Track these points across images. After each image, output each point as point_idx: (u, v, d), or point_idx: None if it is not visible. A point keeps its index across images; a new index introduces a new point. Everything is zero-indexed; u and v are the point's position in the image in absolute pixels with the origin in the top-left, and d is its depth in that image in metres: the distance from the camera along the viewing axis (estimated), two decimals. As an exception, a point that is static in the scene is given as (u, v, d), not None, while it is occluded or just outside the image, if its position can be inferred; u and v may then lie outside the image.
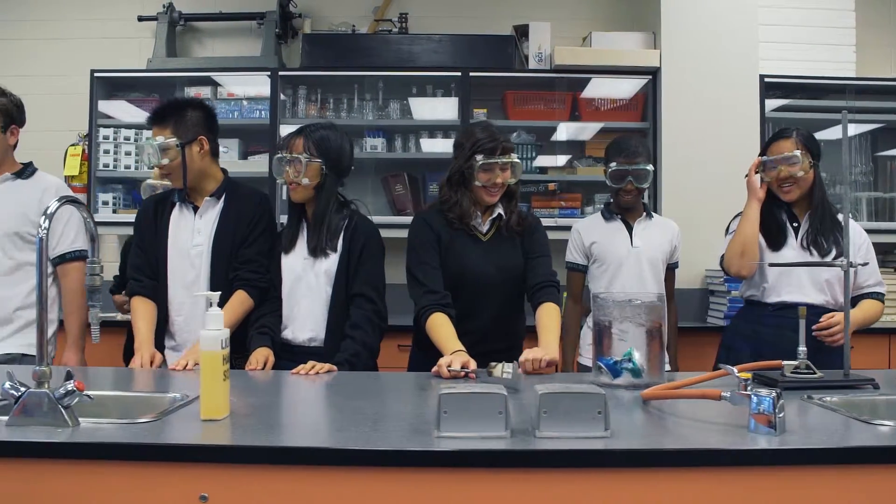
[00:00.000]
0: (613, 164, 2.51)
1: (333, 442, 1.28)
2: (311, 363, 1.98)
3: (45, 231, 1.38)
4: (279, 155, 2.20)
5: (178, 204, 2.30)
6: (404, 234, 2.31)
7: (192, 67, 3.79)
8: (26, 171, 2.46)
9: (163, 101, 2.34)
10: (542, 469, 1.24)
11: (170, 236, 2.27)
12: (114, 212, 3.73)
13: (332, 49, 3.70)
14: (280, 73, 3.67)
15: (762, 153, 2.37)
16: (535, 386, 1.34)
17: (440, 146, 3.70)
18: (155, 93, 3.84)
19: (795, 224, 2.31)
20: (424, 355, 2.20)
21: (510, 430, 1.29)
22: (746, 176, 2.36)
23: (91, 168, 3.72)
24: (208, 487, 1.22)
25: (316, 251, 2.15)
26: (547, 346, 1.97)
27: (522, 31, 3.72)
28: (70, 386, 1.34)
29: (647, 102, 3.66)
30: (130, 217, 3.61)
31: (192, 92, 3.72)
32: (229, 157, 3.78)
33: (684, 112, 3.51)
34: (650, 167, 2.51)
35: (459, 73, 3.62)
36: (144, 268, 2.28)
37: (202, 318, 2.17)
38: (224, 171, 2.36)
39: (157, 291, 2.26)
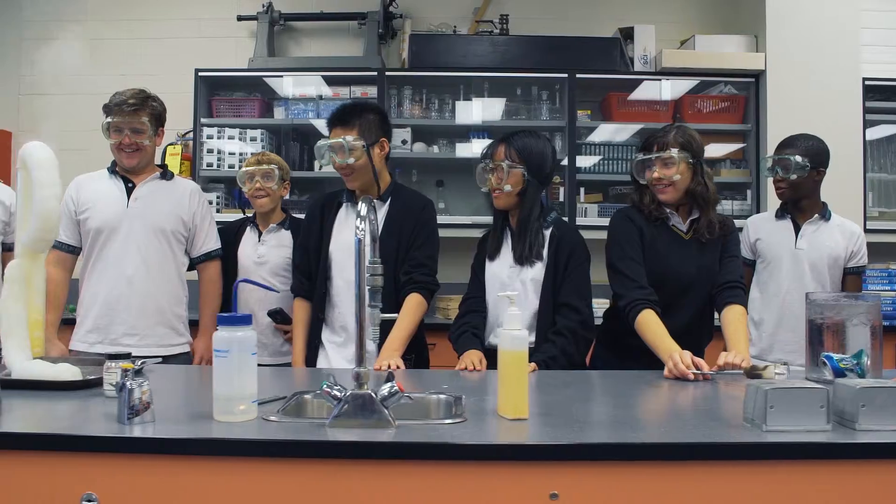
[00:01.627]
0: (767, 157, 2.54)
1: (673, 436, 1.31)
2: None
3: (370, 235, 1.40)
4: (482, 164, 2.24)
5: (345, 204, 2.35)
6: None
7: (297, 67, 3.79)
8: (167, 173, 2.54)
9: (345, 104, 2.39)
10: (867, 460, 1.28)
11: (334, 235, 2.33)
12: (217, 211, 3.72)
13: (437, 50, 3.72)
14: (387, 73, 3.68)
15: None
16: (844, 382, 1.39)
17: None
18: (257, 92, 3.84)
19: None
20: (609, 351, 2.26)
21: (831, 424, 1.33)
22: None
23: (195, 167, 3.71)
24: (559, 485, 1.24)
25: (522, 259, 2.17)
26: (741, 353, 1.96)
27: (626, 34, 3.76)
28: (391, 388, 1.36)
29: (749, 104, 3.72)
30: (233, 216, 3.63)
31: (297, 92, 3.73)
32: (333, 157, 3.79)
33: (789, 114, 3.55)
34: (798, 158, 2.46)
35: (566, 75, 3.66)
36: (304, 267, 2.38)
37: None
38: (391, 174, 2.40)
39: (317, 290, 2.32)
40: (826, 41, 3.60)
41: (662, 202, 2.16)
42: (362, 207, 1.42)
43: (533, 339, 2.15)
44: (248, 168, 2.69)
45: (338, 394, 1.36)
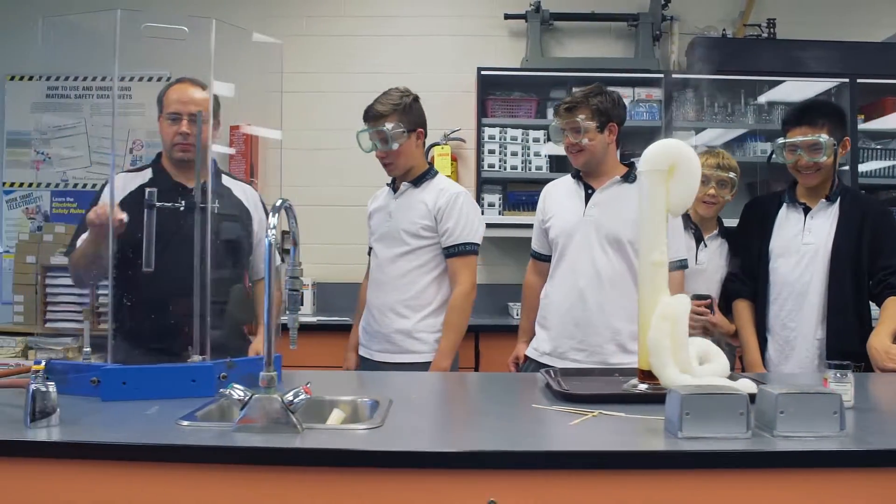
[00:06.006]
0: None
1: None
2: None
3: None
4: None
5: (786, 203, 2.38)
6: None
7: (572, 67, 3.73)
8: (631, 173, 2.38)
9: (810, 103, 2.42)
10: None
11: (774, 234, 2.36)
12: (500, 213, 3.66)
13: (716, 53, 3.70)
14: (673, 76, 3.66)
15: None
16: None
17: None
18: (532, 92, 3.78)
19: None
20: None
21: None
22: None
23: (478, 168, 3.64)
24: None
25: None
26: None
27: (901, 39, 3.81)
28: None
29: None
30: (518, 219, 3.57)
31: (578, 93, 3.67)
32: (611, 159, 3.75)
33: None
34: None
35: (847, 80, 3.68)
36: (747, 268, 2.41)
37: (812, 320, 2.23)
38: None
39: (757, 292, 2.36)
40: None
41: None
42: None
43: None
44: (705, 171, 2.40)
45: None
